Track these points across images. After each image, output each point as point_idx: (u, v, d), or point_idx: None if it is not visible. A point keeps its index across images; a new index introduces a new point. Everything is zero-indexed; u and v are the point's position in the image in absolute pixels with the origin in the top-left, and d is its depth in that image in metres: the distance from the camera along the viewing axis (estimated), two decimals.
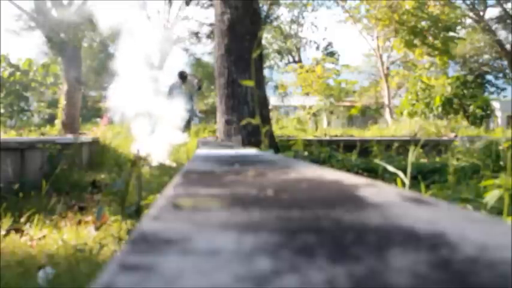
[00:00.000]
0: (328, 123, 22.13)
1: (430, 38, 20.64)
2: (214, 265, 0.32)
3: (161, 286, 0.28)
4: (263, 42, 20.48)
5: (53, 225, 3.28)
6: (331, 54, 29.90)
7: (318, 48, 29.66)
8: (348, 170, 4.69)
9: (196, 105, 12.76)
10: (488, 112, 19.63)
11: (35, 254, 2.61)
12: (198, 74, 11.35)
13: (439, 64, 21.59)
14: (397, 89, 26.26)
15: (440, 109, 18.77)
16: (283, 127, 12.72)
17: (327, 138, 8.88)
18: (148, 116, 6.95)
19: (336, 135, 10.31)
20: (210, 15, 19.76)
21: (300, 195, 0.63)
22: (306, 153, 6.19)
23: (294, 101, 22.73)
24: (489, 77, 29.00)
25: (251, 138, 5.45)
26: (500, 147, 5.40)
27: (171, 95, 10.45)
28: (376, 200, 0.56)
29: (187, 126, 10.10)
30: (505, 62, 26.70)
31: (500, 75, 28.78)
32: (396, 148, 6.86)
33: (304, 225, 0.44)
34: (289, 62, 28.69)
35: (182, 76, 11.34)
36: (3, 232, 3.04)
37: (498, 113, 24.80)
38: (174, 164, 7.12)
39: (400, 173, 1.88)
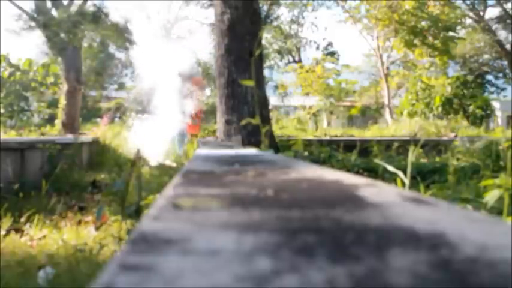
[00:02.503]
0: (328, 123, 22.14)
1: (430, 38, 20.64)
2: (214, 265, 0.32)
3: (161, 286, 0.28)
4: (263, 42, 20.48)
5: (53, 225, 3.27)
6: (331, 54, 29.88)
7: (318, 48, 29.66)
8: (348, 170, 4.69)
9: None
10: (488, 112, 19.64)
11: (35, 254, 2.61)
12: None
13: (439, 64, 21.61)
14: (397, 89, 26.27)
15: (440, 109, 18.78)
16: (283, 127, 12.74)
17: (327, 138, 8.88)
18: (148, 116, 6.95)
19: (336, 135, 10.31)
20: (210, 15, 19.77)
21: (300, 195, 0.63)
22: (306, 153, 6.19)
23: (294, 101, 22.73)
24: (489, 77, 29.01)
25: (251, 138, 5.45)
26: (500, 147, 5.40)
27: None
28: (376, 200, 0.56)
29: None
30: (505, 62, 26.70)
31: (500, 75, 28.78)
32: (396, 148, 6.86)
33: (304, 225, 0.44)
34: (289, 62, 28.68)
35: None
36: (3, 232, 3.04)
37: (498, 113, 24.80)
38: (174, 164, 7.13)
39: (400, 173, 1.88)
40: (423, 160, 6.24)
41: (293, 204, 0.55)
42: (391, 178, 2.43)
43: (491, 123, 21.92)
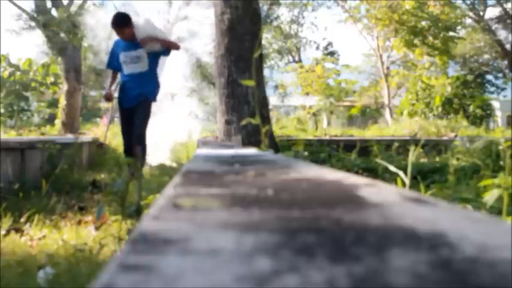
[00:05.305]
0: (328, 123, 22.14)
1: (430, 38, 20.65)
2: (214, 265, 0.32)
3: (161, 286, 0.28)
4: (263, 42, 20.48)
5: (53, 225, 3.27)
6: (331, 54, 29.89)
7: (318, 48, 29.67)
8: (348, 170, 4.69)
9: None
10: (488, 112, 19.66)
11: (35, 254, 2.61)
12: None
13: (439, 64, 21.62)
14: (397, 89, 26.27)
15: (440, 109, 18.80)
16: (283, 127, 12.72)
17: (327, 138, 8.88)
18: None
19: (336, 135, 10.30)
20: (210, 15, 19.76)
21: (300, 195, 0.63)
22: (306, 153, 6.19)
23: (294, 101, 22.73)
24: (489, 77, 28.99)
25: (251, 138, 5.45)
26: (500, 147, 5.40)
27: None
28: (376, 200, 0.56)
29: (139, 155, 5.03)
30: (505, 62, 26.71)
31: (500, 75, 28.77)
32: (396, 148, 6.86)
33: (304, 225, 0.44)
34: (289, 62, 28.68)
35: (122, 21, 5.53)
36: (3, 232, 3.04)
37: (498, 113, 24.82)
38: (174, 164, 7.13)
39: (400, 173, 1.88)
40: (423, 160, 6.24)
41: (293, 204, 0.55)
42: (391, 178, 2.44)
43: (491, 123, 21.92)
